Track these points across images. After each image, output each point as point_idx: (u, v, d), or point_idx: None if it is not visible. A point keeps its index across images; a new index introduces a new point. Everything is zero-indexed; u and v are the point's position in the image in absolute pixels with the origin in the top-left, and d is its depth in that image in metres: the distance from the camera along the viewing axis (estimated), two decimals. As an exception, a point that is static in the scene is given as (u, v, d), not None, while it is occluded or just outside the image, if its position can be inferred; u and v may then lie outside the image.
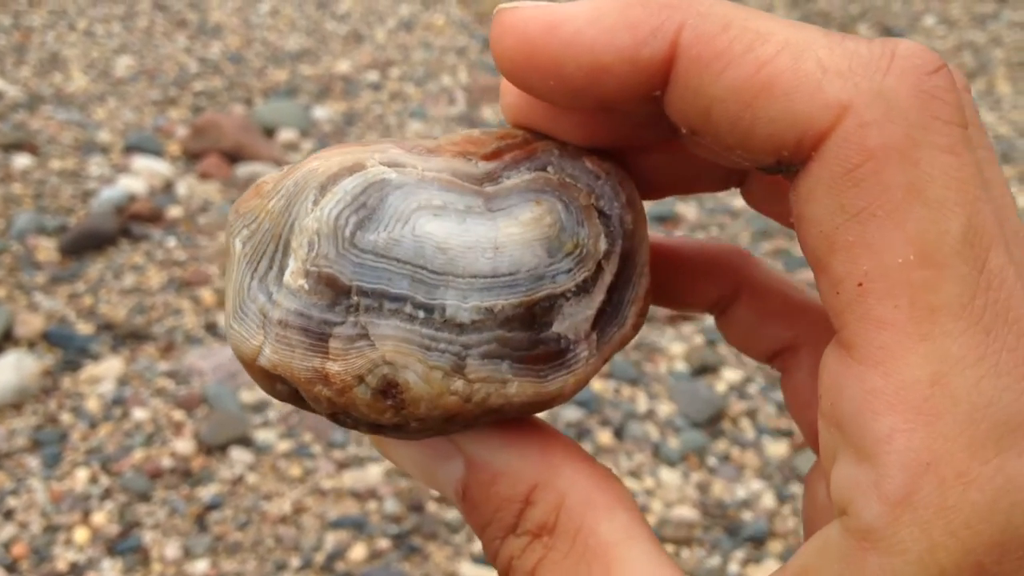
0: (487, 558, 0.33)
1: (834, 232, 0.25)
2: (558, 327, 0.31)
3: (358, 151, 0.31)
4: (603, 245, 0.32)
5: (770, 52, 0.26)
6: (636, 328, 0.34)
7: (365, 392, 0.29)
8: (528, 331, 0.30)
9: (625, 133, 0.32)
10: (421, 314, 0.29)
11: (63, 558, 1.42)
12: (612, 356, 0.34)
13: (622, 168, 0.35)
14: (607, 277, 0.32)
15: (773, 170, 0.28)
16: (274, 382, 0.31)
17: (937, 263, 0.24)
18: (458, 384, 0.29)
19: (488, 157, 0.32)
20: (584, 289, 0.31)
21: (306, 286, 0.29)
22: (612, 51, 0.27)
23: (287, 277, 0.29)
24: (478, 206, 0.30)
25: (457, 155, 0.32)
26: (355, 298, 0.29)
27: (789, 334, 0.40)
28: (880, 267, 0.25)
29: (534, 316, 0.30)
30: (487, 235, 0.30)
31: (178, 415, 1.68)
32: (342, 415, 0.30)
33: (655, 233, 0.40)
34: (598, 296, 0.32)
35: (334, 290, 0.29)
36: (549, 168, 0.33)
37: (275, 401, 1.72)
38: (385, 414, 0.30)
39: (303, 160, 0.32)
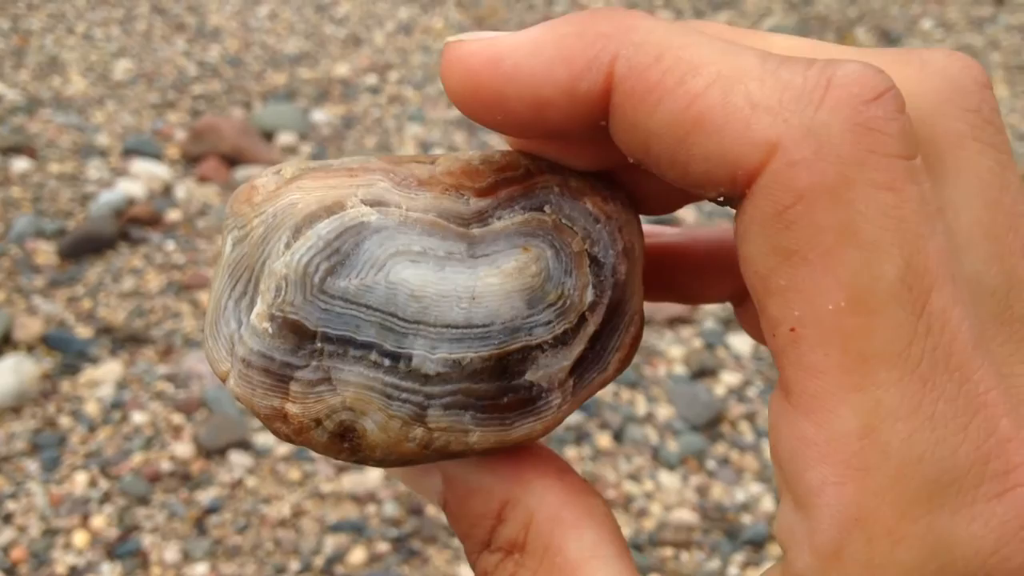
0: (472, 568, 0.33)
1: (768, 274, 0.25)
2: (531, 376, 0.30)
3: (343, 184, 0.30)
4: (589, 296, 0.31)
5: (700, 86, 0.25)
6: (618, 372, 0.33)
7: (322, 434, 0.30)
8: (497, 381, 0.30)
9: (616, 154, 0.31)
10: (386, 362, 0.29)
11: (62, 562, 1.42)
12: (588, 398, 0.33)
13: (628, 208, 0.33)
14: (590, 328, 0.31)
15: (721, 203, 0.27)
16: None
17: (870, 309, 0.23)
18: (417, 432, 0.29)
19: (482, 193, 0.31)
20: (563, 341, 0.30)
21: (270, 330, 0.29)
22: (551, 85, 0.27)
23: (253, 318, 0.29)
24: (460, 252, 0.30)
25: (449, 189, 0.31)
26: (319, 344, 0.29)
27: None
28: (812, 313, 0.24)
29: (505, 367, 0.30)
30: (465, 284, 0.29)
31: (177, 419, 1.68)
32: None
33: (666, 227, 0.39)
34: (577, 347, 0.31)
35: (298, 335, 0.29)
36: (546, 207, 0.31)
37: (274, 404, 1.72)
38: (341, 454, 0.30)
39: (292, 179, 0.31)
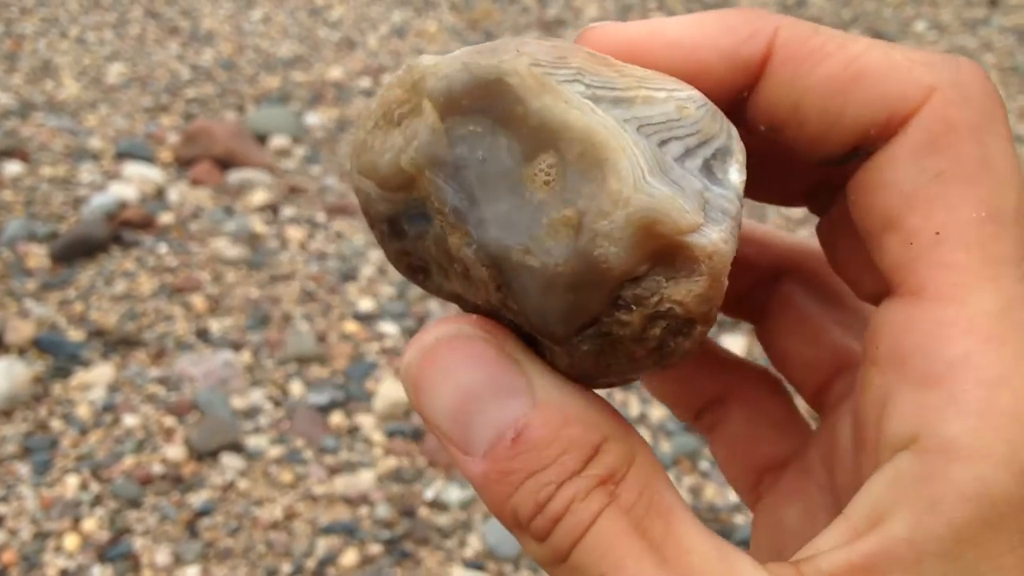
0: (510, 514, 0.30)
1: (914, 191, 0.29)
2: None
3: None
4: None
5: (860, 48, 0.30)
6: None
7: None
8: None
9: None
10: None
11: (53, 565, 1.41)
12: None
13: None
14: None
15: (843, 159, 0.31)
16: (687, 262, 0.29)
17: (1002, 222, 0.28)
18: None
19: None
20: None
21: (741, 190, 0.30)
22: (714, 50, 0.31)
23: (735, 180, 0.30)
24: None
25: None
26: None
27: (717, 388, 0.42)
28: (956, 220, 0.28)
29: None
30: None
31: (169, 421, 1.67)
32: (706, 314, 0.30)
33: None
34: None
35: None
36: None
37: (266, 407, 1.72)
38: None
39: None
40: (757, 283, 0.42)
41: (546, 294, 0.29)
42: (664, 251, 0.28)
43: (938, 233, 0.29)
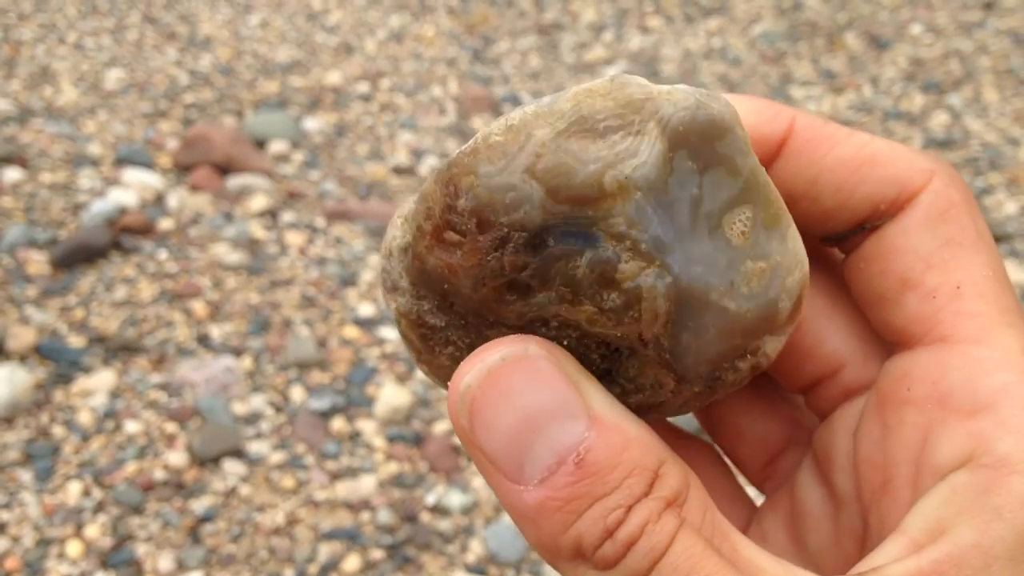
0: (571, 544, 0.30)
1: (930, 254, 0.34)
2: None
3: None
4: None
5: (867, 137, 0.35)
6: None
7: None
8: None
9: None
10: None
11: (56, 571, 1.42)
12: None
13: None
14: None
15: (846, 234, 0.36)
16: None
17: (1002, 281, 0.34)
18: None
19: None
20: None
21: None
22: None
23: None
24: None
25: None
26: None
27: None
28: (971, 277, 0.33)
29: None
30: None
31: (170, 427, 1.68)
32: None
33: None
34: None
35: None
36: None
37: (267, 412, 1.72)
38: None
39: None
40: None
41: (723, 335, 0.32)
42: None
43: (958, 288, 0.33)
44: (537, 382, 0.31)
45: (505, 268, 0.31)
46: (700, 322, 0.31)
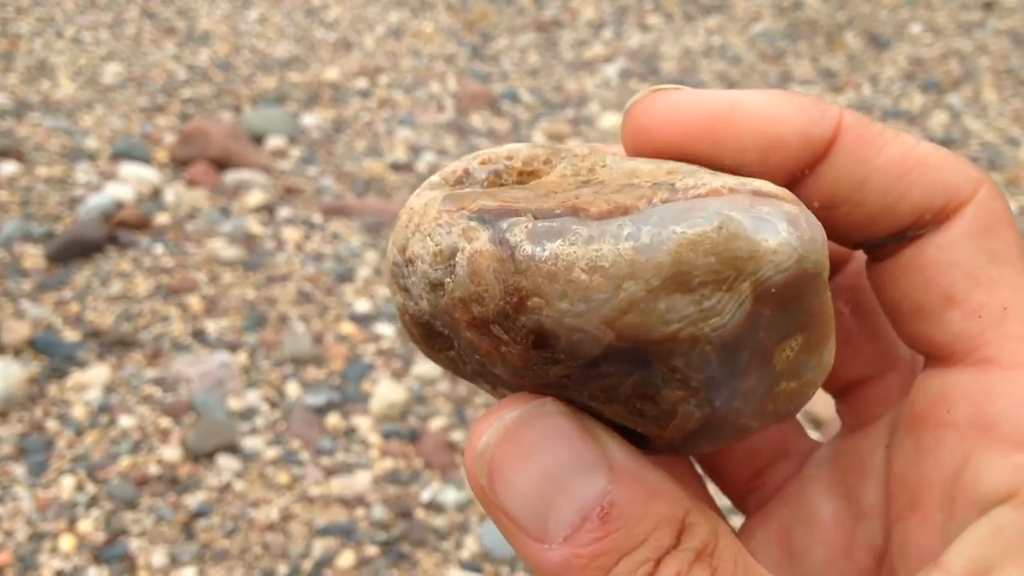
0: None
1: (977, 271, 0.32)
2: None
3: None
4: None
5: (913, 140, 0.33)
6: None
7: None
8: None
9: None
10: None
11: (49, 566, 1.41)
12: None
13: None
14: None
15: (886, 240, 0.34)
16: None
17: None
18: None
19: None
20: None
21: None
22: (789, 127, 0.33)
23: None
24: None
25: None
26: None
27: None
28: (1017, 299, 0.32)
29: None
30: None
31: (165, 422, 1.67)
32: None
33: None
34: None
35: None
36: None
37: (263, 408, 1.72)
38: None
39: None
40: None
41: (733, 438, 0.33)
42: None
43: (1005, 309, 0.32)
44: (556, 438, 0.30)
45: (549, 376, 0.30)
46: (719, 432, 0.32)
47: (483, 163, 0.33)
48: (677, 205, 0.28)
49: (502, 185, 0.32)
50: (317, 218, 2.32)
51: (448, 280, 0.29)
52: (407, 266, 0.30)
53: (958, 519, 0.31)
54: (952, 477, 0.31)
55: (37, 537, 1.45)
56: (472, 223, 0.29)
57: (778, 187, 0.30)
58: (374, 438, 1.69)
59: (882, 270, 0.35)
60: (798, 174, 0.33)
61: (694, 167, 0.32)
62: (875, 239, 0.34)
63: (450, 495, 1.59)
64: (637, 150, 0.34)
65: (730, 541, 0.30)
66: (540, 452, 0.30)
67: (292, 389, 1.78)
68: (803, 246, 0.28)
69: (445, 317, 0.31)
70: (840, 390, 0.40)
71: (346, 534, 1.51)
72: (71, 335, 1.84)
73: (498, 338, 0.29)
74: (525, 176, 0.33)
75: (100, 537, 1.46)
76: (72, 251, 2.06)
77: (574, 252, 0.27)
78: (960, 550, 0.29)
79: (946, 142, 2.78)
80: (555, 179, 0.32)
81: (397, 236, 0.31)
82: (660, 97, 0.33)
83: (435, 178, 0.33)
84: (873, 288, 0.36)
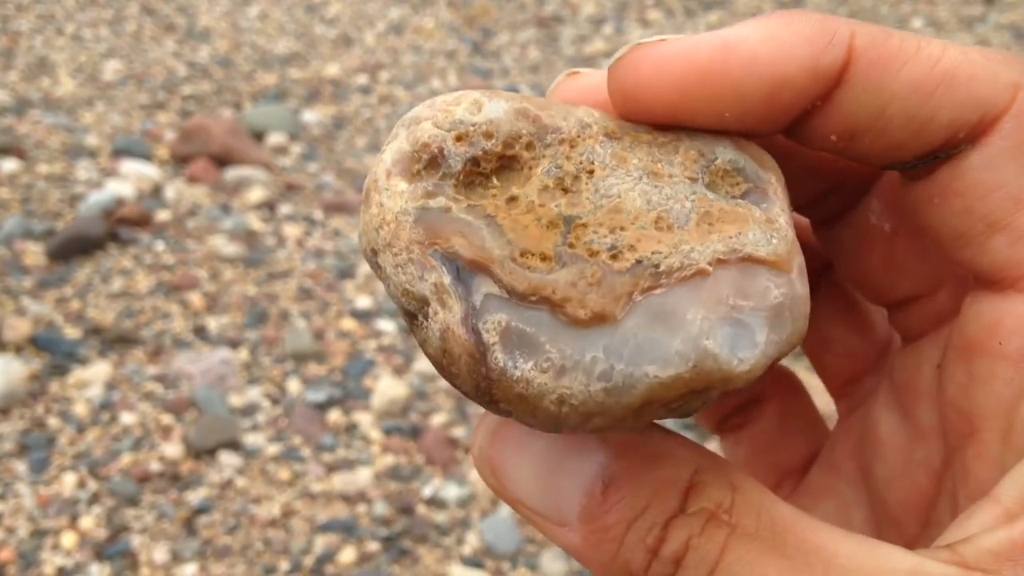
0: (624, 572, 0.29)
1: (1021, 191, 0.29)
2: None
3: None
4: None
5: (938, 50, 0.29)
6: None
7: None
8: None
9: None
10: None
11: (51, 563, 1.41)
12: None
13: None
14: None
15: (917, 162, 0.31)
16: None
17: None
18: None
19: None
20: None
21: None
22: (794, 63, 0.29)
23: None
24: None
25: None
26: None
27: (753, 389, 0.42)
28: None
29: None
30: None
31: (166, 419, 1.67)
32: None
33: None
34: None
35: None
36: None
37: (264, 404, 1.72)
38: None
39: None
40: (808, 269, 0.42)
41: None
42: None
43: None
44: None
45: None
46: None
47: (459, 140, 0.29)
48: (659, 301, 0.27)
49: (478, 184, 0.29)
50: (318, 214, 2.32)
51: (422, 321, 0.29)
52: (379, 268, 0.30)
53: (1015, 450, 0.30)
54: (1008, 409, 0.30)
55: (39, 534, 1.46)
56: (445, 279, 0.28)
57: (778, 239, 0.28)
58: (375, 434, 1.69)
59: (918, 192, 0.32)
60: (809, 107, 0.30)
61: (685, 184, 0.30)
62: (903, 162, 0.31)
63: (451, 491, 1.59)
64: (627, 115, 0.31)
65: (752, 496, 0.29)
66: (531, 442, 0.31)
67: (293, 385, 1.78)
68: (780, 348, 0.28)
69: (418, 340, 0.30)
70: (891, 306, 0.38)
71: (347, 530, 1.51)
72: (72, 332, 1.84)
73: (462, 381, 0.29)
74: (505, 162, 0.29)
75: (102, 534, 1.46)
76: (73, 248, 2.06)
77: (544, 384, 0.27)
78: (1013, 480, 0.29)
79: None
80: (534, 193, 0.29)
81: (367, 230, 0.30)
82: (644, 53, 0.30)
83: (406, 146, 0.29)
84: (911, 210, 0.33)
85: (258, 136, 2.64)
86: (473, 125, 0.29)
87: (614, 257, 0.28)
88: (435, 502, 1.58)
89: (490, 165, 0.29)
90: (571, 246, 0.28)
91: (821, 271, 0.41)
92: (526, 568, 1.48)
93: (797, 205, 0.38)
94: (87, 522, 1.48)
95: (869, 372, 0.41)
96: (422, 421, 1.73)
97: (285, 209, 2.31)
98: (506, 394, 0.27)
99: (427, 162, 0.29)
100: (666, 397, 0.27)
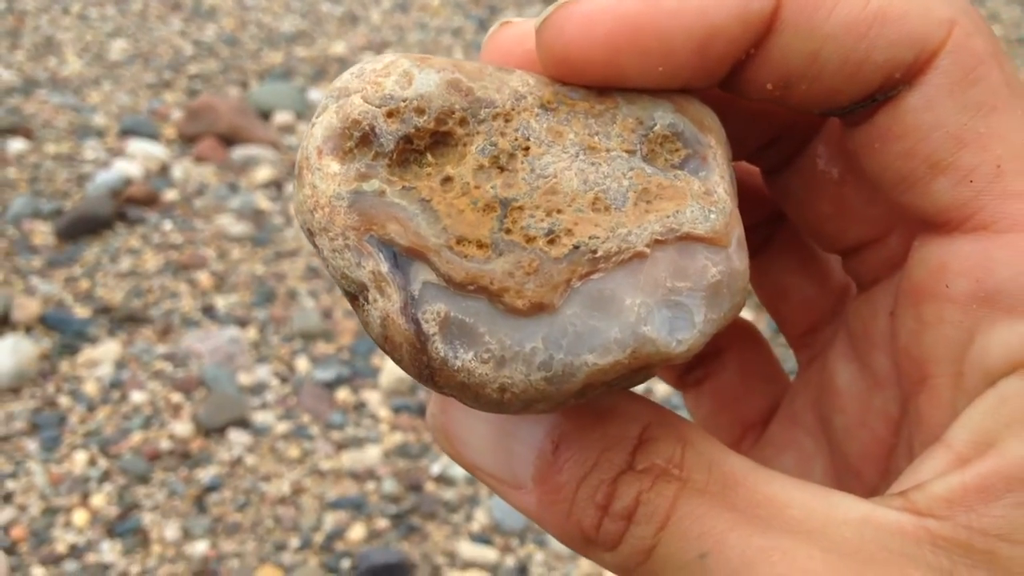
0: (577, 531, 0.29)
1: (961, 129, 0.28)
2: None
3: None
4: None
5: None
6: None
7: None
8: None
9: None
10: None
11: (62, 540, 1.42)
12: None
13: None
14: None
15: (855, 106, 0.30)
16: None
17: None
18: None
19: None
20: None
21: None
22: (723, 11, 0.28)
23: None
24: None
25: None
26: None
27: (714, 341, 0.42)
28: (1012, 150, 0.28)
29: None
30: None
31: (176, 397, 1.68)
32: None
33: None
34: None
35: None
36: None
37: (273, 383, 1.72)
38: None
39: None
40: (762, 218, 0.41)
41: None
42: None
43: (999, 166, 0.28)
44: None
45: None
46: None
47: (390, 116, 0.28)
48: (597, 287, 0.27)
49: (412, 161, 0.28)
50: (325, 193, 2.31)
51: (363, 304, 0.28)
52: (317, 248, 0.29)
53: (967, 394, 0.29)
54: (958, 353, 0.29)
55: (51, 512, 1.47)
56: (382, 266, 0.27)
57: (717, 212, 0.28)
58: (384, 412, 1.70)
59: (859, 138, 0.31)
60: (742, 57, 0.29)
61: (623, 159, 0.29)
62: (842, 108, 0.30)
63: (460, 468, 1.59)
64: (560, 78, 0.29)
65: (703, 449, 0.29)
66: (468, 422, 0.31)
67: (302, 364, 1.79)
68: (718, 324, 0.28)
69: (360, 320, 0.30)
70: (844, 253, 0.37)
71: (357, 507, 1.52)
72: (82, 311, 1.85)
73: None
74: (439, 138, 0.28)
75: (113, 511, 1.48)
76: (81, 228, 2.07)
77: (485, 374, 0.26)
78: (964, 423, 0.28)
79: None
80: (469, 174, 0.28)
81: (302, 210, 0.28)
82: (568, 12, 0.28)
83: (336, 122, 0.28)
84: (853, 155, 0.32)
85: (265, 115, 2.64)
86: (404, 101, 0.28)
87: (551, 243, 0.27)
88: (444, 479, 1.58)
89: (423, 142, 0.28)
90: (508, 231, 0.27)
91: (776, 220, 0.41)
92: (534, 544, 1.49)
93: (744, 155, 0.38)
94: (98, 500, 1.49)
95: (827, 321, 0.40)
96: (430, 399, 1.73)
97: (292, 188, 2.31)
98: (448, 381, 0.27)
99: (359, 140, 0.28)
100: (606, 379, 0.27)
